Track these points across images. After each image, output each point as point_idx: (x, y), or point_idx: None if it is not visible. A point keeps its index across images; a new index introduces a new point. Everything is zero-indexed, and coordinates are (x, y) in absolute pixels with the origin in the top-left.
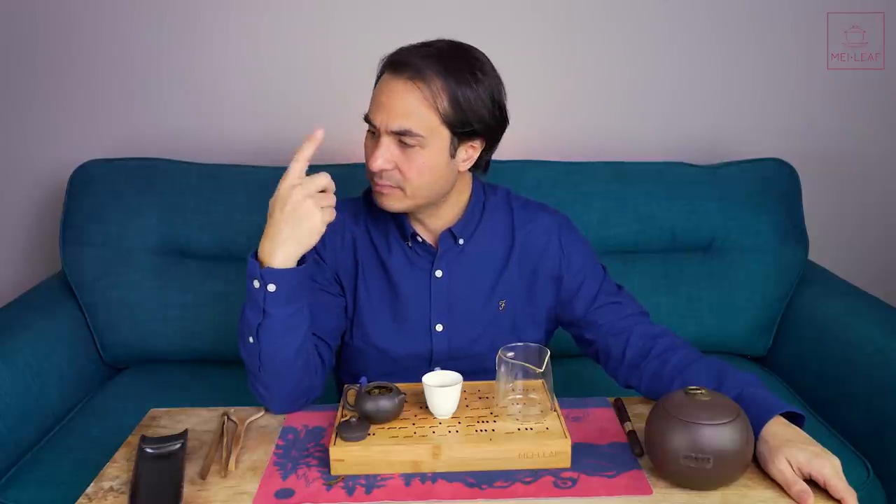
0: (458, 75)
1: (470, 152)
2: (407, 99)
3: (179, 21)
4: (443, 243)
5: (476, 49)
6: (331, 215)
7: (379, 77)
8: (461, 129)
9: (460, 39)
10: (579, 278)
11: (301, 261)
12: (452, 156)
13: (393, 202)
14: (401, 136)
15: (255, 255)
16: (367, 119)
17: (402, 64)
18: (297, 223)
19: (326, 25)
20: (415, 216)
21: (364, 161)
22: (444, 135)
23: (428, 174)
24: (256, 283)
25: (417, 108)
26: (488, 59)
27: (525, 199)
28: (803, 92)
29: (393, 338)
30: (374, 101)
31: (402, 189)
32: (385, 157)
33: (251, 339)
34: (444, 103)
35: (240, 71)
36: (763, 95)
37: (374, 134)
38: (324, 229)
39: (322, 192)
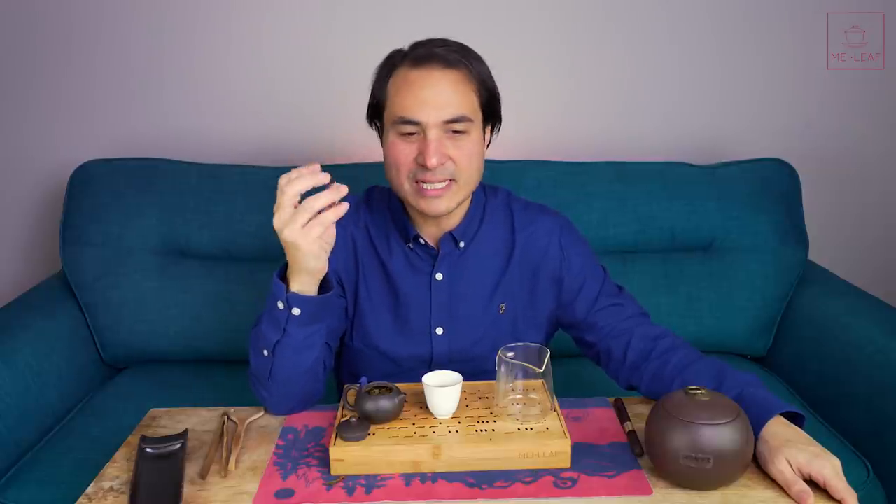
0: (474, 60)
1: (487, 136)
2: (451, 86)
3: (179, 21)
4: (444, 246)
5: None
6: (326, 236)
7: (385, 79)
8: (489, 110)
9: (463, 40)
10: (580, 280)
11: (326, 286)
12: (485, 138)
13: (446, 202)
14: (454, 124)
15: (280, 275)
16: (403, 121)
17: (427, 57)
18: (295, 256)
19: (327, 25)
20: (429, 217)
21: (390, 165)
22: (480, 117)
23: (476, 160)
24: (280, 305)
25: (463, 93)
26: None
27: (525, 202)
28: (803, 92)
29: (393, 340)
30: (413, 99)
31: (455, 181)
32: (440, 151)
33: (266, 353)
34: (477, 85)
35: (240, 71)
36: (763, 95)
37: (408, 136)
38: (321, 252)
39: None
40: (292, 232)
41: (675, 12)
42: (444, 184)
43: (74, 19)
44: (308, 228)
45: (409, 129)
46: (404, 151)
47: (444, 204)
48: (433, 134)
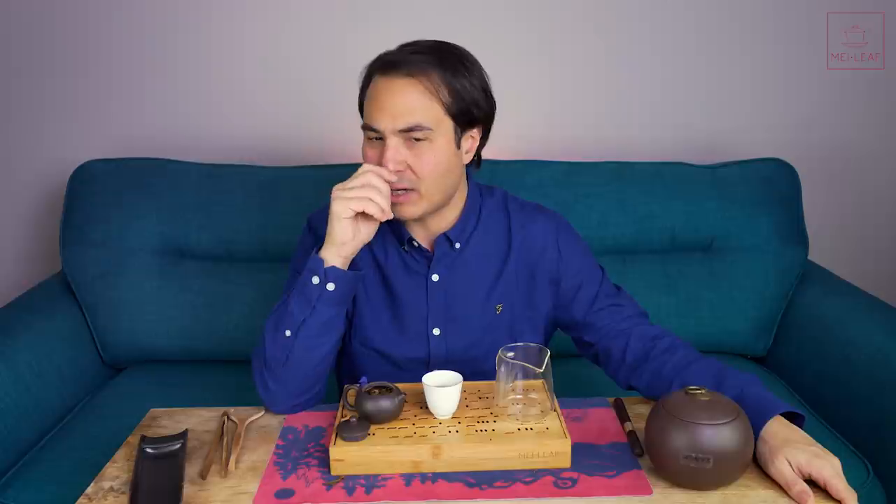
0: (450, 66)
1: (470, 143)
2: (410, 94)
3: (179, 22)
4: (438, 248)
5: (456, 44)
6: (347, 205)
7: (366, 84)
8: (462, 118)
9: (462, 40)
10: (577, 281)
11: (354, 268)
12: (458, 146)
13: (410, 208)
14: (410, 133)
15: (317, 251)
16: (366, 127)
17: (394, 63)
18: (329, 219)
19: (326, 25)
20: (418, 219)
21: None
22: (449, 125)
23: (440, 168)
24: (316, 280)
25: (421, 102)
26: (468, 52)
27: (522, 201)
28: (803, 92)
29: (391, 341)
30: (373, 106)
31: (416, 191)
32: (396, 158)
33: (288, 333)
34: (444, 93)
35: (240, 71)
36: (763, 95)
37: (374, 141)
38: (341, 227)
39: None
40: (340, 203)
41: (675, 12)
42: (401, 192)
43: (74, 20)
44: (346, 200)
45: (373, 135)
46: (372, 158)
47: (408, 210)
48: (391, 142)
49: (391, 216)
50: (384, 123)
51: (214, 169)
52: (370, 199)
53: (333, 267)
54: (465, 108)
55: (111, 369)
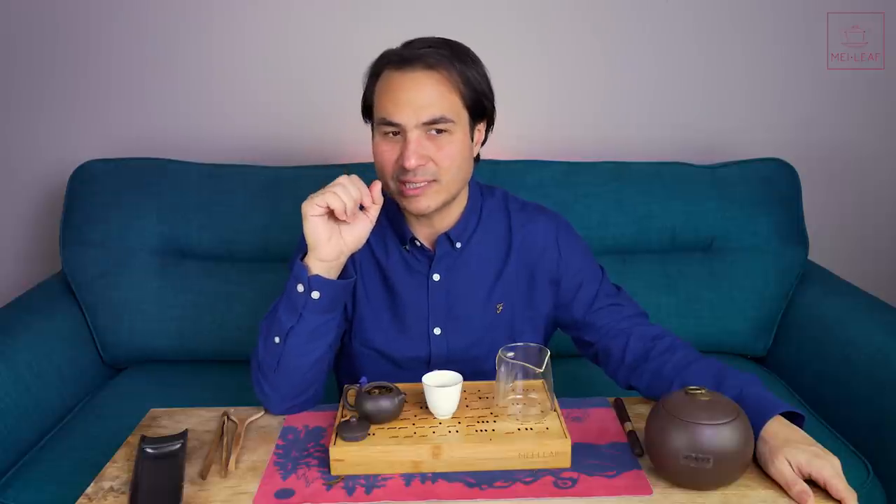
0: (462, 59)
1: (477, 136)
2: (431, 87)
3: (180, 21)
4: (440, 247)
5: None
6: (313, 201)
7: (374, 81)
8: (475, 110)
9: (462, 40)
10: (577, 280)
11: (345, 275)
12: (472, 139)
13: (430, 200)
14: (433, 125)
15: (302, 258)
16: (384, 122)
17: (409, 58)
18: (305, 230)
19: (327, 24)
20: (424, 216)
21: (376, 166)
22: (465, 117)
23: (459, 159)
24: (301, 288)
25: (443, 94)
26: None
27: (522, 201)
28: (803, 92)
29: (391, 341)
30: (392, 101)
31: (436, 181)
32: (419, 152)
33: (277, 340)
34: (461, 85)
35: (241, 71)
36: (763, 95)
37: (391, 136)
38: (310, 226)
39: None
40: (306, 202)
41: (673, 11)
42: (423, 183)
43: (74, 20)
44: (312, 198)
45: (391, 130)
46: (387, 153)
47: (424, 202)
48: (413, 135)
49: (353, 219)
50: (406, 117)
51: (215, 169)
52: (334, 193)
53: (318, 276)
54: (478, 99)
55: (111, 369)
